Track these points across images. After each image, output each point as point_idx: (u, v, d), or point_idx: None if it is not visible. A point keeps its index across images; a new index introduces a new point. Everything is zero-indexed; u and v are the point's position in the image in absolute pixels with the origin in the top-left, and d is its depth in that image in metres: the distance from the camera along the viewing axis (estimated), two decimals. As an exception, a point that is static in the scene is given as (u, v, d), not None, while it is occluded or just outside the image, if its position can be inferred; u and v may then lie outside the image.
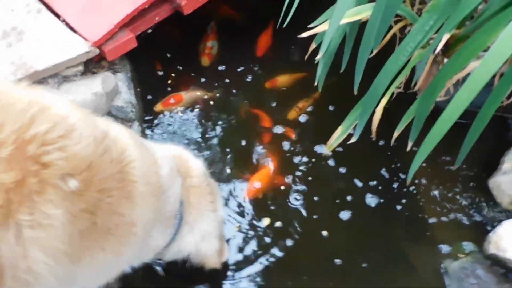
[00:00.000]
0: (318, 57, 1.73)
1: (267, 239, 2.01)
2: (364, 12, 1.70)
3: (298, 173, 2.19)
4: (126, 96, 2.20)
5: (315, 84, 1.80)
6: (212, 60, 2.57)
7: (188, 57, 2.60)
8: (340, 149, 2.07)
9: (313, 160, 2.22)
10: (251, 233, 2.02)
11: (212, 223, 1.65)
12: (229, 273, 1.92)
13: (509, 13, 1.48)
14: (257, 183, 2.13)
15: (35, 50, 2.14)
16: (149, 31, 2.40)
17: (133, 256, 1.35)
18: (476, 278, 1.83)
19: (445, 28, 1.49)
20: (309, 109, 2.39)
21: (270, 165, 2.20)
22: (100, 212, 1.07)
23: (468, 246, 1.94)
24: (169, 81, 2.53)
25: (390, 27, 2.07)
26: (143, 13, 2.23)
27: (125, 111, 2.17)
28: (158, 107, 2.39)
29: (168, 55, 2.63)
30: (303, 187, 2.15)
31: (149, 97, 2.47)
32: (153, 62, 2.59)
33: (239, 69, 2.55)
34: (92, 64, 2.24)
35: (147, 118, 2.38)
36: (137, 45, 2.23)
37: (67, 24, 2.22)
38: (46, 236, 0.95)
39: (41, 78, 2.10)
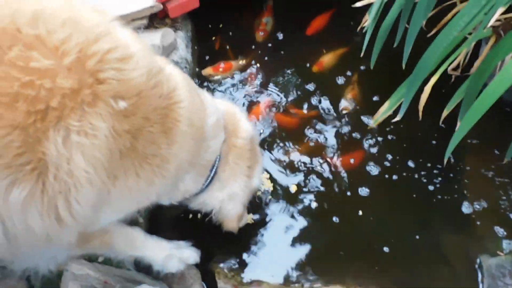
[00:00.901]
0: (365, 24, 1.69)
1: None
2: (419, -16, 1.62)
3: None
4: (182, 53, 2.29)
5: (361, 55, 1.75)
6: (265, 36, 2.59)
7: (244, 28, 2.65)
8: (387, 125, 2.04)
9: (359, 132, 2.19)
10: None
11: (242, 188, 1.64)
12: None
13: None
14: None
15: (107, 0, 2.27)
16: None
17: (163, 191, 1.37)
18: (512, 278, 1.72)
19: (499, 2, 1.39)
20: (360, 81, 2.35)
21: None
22: (141, 137, 1.13)
23: (510, 244, 1.83)
24: (224, 47, 2.59)
25: (454, 6, 1.98)
26: (209, -25, 2.29)
27: (180, 67, 2.26)
28: (207, 71, 2.44)
29: (227, 23, 2.68)
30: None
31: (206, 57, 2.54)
32: (213, 27, 2.65)
33: (290, 47, 2.56)
34: (157, 20, 2.35)
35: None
36: (199, 5, 2.29)
37: (140, -20, 2.33)
38: (90, 145, 1.01)
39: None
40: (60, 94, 0.96)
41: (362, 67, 2.38)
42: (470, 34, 1.76)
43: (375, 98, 2.25)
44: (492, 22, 1.40)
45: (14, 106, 0.94)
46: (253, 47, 2.57)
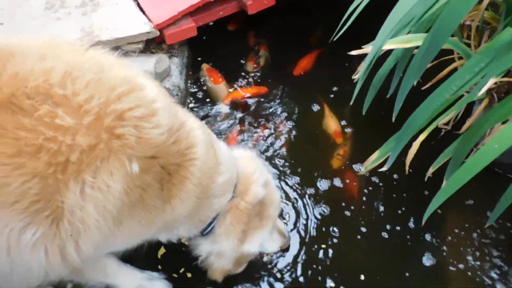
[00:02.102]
0: (356, 76, 1.68)
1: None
2: (415, 41, 1.62)
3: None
4: (175, 80, 2.28)
5: (351, 103, 1.74)
6: (255, 68, 2.59)
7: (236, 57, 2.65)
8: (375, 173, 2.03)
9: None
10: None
11: (231, 249, 1.61)
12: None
13: None
14: None
15: (105, 22, 2.28)
16: (211, 23, 2.46)
17: (158, 232, 1.46)
18: None
19: (493, 72, 1.39)
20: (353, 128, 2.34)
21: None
22: (150, 190, 1.22)
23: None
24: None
25: (452, 62, 1.98)
26: (209, 6, 2.29)
27: (171, 94, 2.24)
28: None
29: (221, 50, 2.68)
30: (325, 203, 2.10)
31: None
32: (207, 55, 2.65)
33: (278, 84, 2.55)
34: (153, 45, 2.34)
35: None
36: (197, 34, 2.29)
37: (138, 5, 2.34)
38: (102, 198, 1.12)
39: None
40: (78, 150, 1.07)
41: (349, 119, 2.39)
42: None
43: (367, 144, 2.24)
44: (485, 89, 1.39)
45: (36, 156, 1.05)
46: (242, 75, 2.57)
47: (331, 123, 2.34)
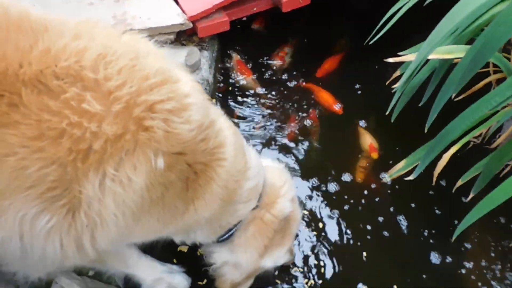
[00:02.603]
0: (396, 85, 1.67)
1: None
2: (457, 52, 1.60)
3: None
4: (205, 74, 2.28)
5: (387, 113, 1.72)
6: (281, 66, 2.59)
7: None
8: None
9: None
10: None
11: (249, 262, 1.57)
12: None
13: None
14: None
15: (138, 10, 2.27)
16: (244, 19, 2.45)
17: (174, 232, 1.43)
18: None
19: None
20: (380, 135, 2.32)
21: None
22: (171, 189, 1.17)
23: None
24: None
25: (488, 75, 1.96)
26: (243, 0, 2.28)
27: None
28: None
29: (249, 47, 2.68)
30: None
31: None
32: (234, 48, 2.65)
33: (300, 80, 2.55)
34: (184, 36, 2.33)
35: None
36: (229, 29, 2.28)
37: (174, -5, 2.33)
38: (122, 193, 1.07)
39: (135, 37, 2.23)
40: (103, 139, 1.02)
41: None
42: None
43: (392, 152, 2.23)
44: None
45: (58, 141, 1.00)
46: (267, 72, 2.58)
47: (367, 138, 2.31)
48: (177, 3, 2.28)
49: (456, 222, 1.94)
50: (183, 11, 2.23)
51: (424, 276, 1.89)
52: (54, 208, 1.04)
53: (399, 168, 1.93)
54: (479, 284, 1.87)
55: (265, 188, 1.52)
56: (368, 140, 2.29)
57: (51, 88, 1.01)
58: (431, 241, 1.98)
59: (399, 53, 1.86)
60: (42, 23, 1.08)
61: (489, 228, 2.00)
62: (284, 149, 2.28)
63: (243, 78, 2.47)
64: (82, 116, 1.01)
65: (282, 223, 1.55)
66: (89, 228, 1.09)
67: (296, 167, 2.22)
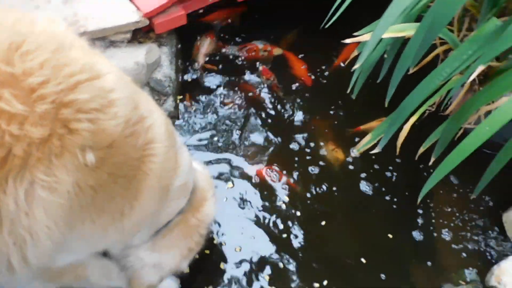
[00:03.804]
0: (355, 67, 1.77)
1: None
2: (408, 30, 1.72)
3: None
4: (166, 71, 2.29)
5: (348, 91, 1.83)
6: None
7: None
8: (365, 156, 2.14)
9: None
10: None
11: (170, 264, 1.54)
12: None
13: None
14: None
15: (89, 10, 2.22)
16: (200, 11, 2.47)
17: (116, 240, 1.32)
18: (473, 306, 1.86)
19: (481, 60, 1.50)
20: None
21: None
22: (102, 192, 1.06)
23: (470, 274, 1.96)
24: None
25: (435, 47, 2.09)
26: (198, -8, 2.30)
27: (163, 85, 2.26)
28: None
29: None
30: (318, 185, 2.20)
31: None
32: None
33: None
34: (140, 34, 2.32)
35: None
36: (186, 22, 2.30)
37: (124, -8, 2.30)
38: (54, 200, 0.95)
39: (89, 39, 2.20)
40: (26, 142, 0.88)
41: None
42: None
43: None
44: (474, 75, 1.50)
45: None
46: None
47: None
48: (131, 0, 2.26)
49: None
50: (137, 8, 2.21)
51: (392, 238, 2.05)
52: None
53: (365, 142, 2.04)
54: (451, 242, 2.04)
55: (195, 191, 1.50)
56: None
57: None
58: (400, 206, 2.13)
59: (354, 34, 1.96)
60: None
61: (451, 189, 2.17)
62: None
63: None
64: (0, 117, 0.86)
65: (204, 228, 1.56)
66: (16, 246, 0.95)
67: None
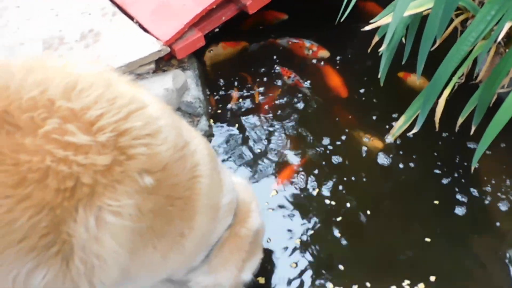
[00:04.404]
0: (382, 48, 1.79)
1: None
2: (426, 4, 1.75)
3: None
4: (194, 93, 2.34)
5: (379, 76, 1.85)
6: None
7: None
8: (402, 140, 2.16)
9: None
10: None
11: (229, 280, 1.56)
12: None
13: None
14: None
15: (111, 49, 2.32)
16: (216, 30, 2.54)
17: (177, 266, 1.35)
18: (541, 267, 1.82)
19: (507, 17, 1.52)
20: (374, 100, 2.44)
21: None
22: (161, 216, 1.11)
23: (533, 236, 1.93)
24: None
25: (451, 21, 2.11)
26: (211, 13, 2.37)
27: (194, 107, 2.31)
28: None
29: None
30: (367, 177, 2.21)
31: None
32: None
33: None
34: (163, 63, 2.39)
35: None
36: (205, 43, 2.36)
37: (140, 25, 2.39)
38: (119, 224, 0.99)
39: (117, 76, 2.28)
40: (92, 170, 0.94)
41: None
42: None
43: (387, 115, 2.36)
44: (503, 32, 1.52)
45: (44, 183, 0.90)
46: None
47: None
48: (148, 32, 2.34)
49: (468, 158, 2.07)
50: (156, 38, 2.29)
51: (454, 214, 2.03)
52: (48, 259, 0.94)
53: (400, 125, 2.05)
54: (508, 209, 2.02)
55: (238, 204, 1.53)
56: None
57: (21, 125, 0.91)
58: (452, 181, 2.12)
59: (371, 21, 2.00)
60: None
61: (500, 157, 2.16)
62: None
63: None
64: (68, 149, 0.92)
65: (254, 236, 1.58)
66: (86, 274, 0.99)
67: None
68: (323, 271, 1.96)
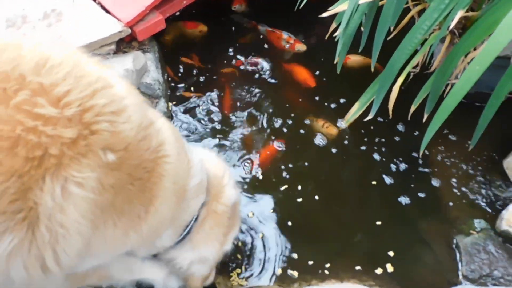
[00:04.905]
0: (337, 33, 1.82)
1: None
2: (382, -8, 1.77)
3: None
4: (154, 75, 2.33)
5: (335, 62, 1.88)
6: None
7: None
8: (358, 125, 2.21)
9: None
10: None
11: (213, 253, 1.64)
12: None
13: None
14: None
15: (73, 29, 2.28)
16: (177, 13, 2.53)
17: (139, 243, 1.37)
18: (487, 253, 1.89)
19: (459, 6, 1.56)
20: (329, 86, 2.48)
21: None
22: (121, 194, 1.14)
23: (480, 223, 2.00)
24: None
25: (409, 11, 2.16)
26: (172, -3, 2.36)
27: (153, 88, 2.30)
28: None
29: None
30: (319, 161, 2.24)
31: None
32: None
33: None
34: (124, 44, 2.37)
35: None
36: (165, 26, 2.35)
37: (102, 6, 2.36)
38: (83, 195, 1.04)
39: (76, 56, 2.25)
40: (59, 143, 0.99)
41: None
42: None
43: (341, 101, 2.40)
44: (455, 21, 1.56)
45: (13, 151, 0.95)
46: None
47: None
48: (109, 12, 2.31)
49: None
50: (117, 19, 2.27)
51: (403, 200, 2.09)
52: (15, 225, 0.98)
53: (354, 111, 2.08)
54: (457, 195, 2.10)
55: (210, 180, 1.57)
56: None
57: None
58: (404, 168, 2.19)
59: (329, 8, 2.02)
60: None
61: (451, 145, 2.23)
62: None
63: None
64: (37, 120, 0.97)
65: (232, 209, 1.64)
66: (50, 243, 1.04)
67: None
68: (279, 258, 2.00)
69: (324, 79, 2.50)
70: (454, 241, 1.97)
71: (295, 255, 1.98)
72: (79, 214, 1.04)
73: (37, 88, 0.99)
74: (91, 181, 1.04)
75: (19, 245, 1.00)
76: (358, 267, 1.94)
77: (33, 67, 1.01)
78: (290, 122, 2.37)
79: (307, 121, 2.37)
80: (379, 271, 1.91)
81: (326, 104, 2.41)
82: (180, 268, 1.61)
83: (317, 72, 2.52)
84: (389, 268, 1.92)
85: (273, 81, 2.54)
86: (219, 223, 1.59)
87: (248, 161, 2.25)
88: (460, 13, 1.55)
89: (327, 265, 1.95)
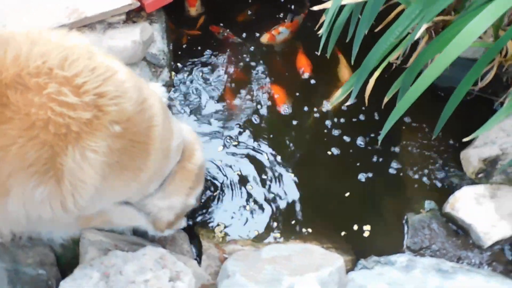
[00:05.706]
0: (321, 31, 2.04)
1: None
2: (362, -6, 1.98)
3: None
4: (160, 45, 2.56)
5: (318, 53, 2.10)
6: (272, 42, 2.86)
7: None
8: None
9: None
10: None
11: (180, 203, 1.94)
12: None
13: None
14: None
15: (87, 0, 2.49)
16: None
17: (136, 191, 1.74)
18: (430, 230, 2.21)
19: (425, 19, 1.77)
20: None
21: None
22: (125, 154, 1.49)
23: (430, 204, 2.30)
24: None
25: (392, 10, 2.37)
26: (181, -29, 2.54)
27: (158, 58, 2.54)
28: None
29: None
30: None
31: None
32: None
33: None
34: (133, 13, 2.57)
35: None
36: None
37: (116, -22, 2.54)
38: (96, 158, 1.39)
39: (89, 23, 2.48)
40: (81, 122, 1.34)
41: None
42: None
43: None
44: (419, 34, 1.77)
45: (47, 129, 1.30)
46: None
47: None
48: (122, -15, 2.51)
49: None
50: (128, -9, 2.47)
51: (369, 177, 2.39)
52: (46, 180, 1.34)
53: (337, 96, 2.33)
54: (416, 178, 2.39)
55: (184, 145, 1.90)
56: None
57: (30, 87, 1.29)
58: (373, 149, 2.48)
59: (323, 0, 2.23)
60: (1, 38, 1.38)
61: (415, 133, 2.50)
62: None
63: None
64: (62, 106, 1.30)
65: (199, 169, 1.96)
66: (71, 191, 1.39)
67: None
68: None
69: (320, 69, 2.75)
70: (405, 217, 2.27)
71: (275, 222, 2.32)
72: (93, 171, 1.40)
73: (62, 80, 1.33)
74: (102, 147, 1.39)
75: (49, 193, 1.37)
76: (322, 231, 2.25)
77: (58, 62, 1.35)
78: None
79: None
80: (338, 236, 2.24)
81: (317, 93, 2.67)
82: (150, 213, 1.92)
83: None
84: (346, 234, 2.26)
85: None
86: (187, 178, 1.92)
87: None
88: (424, 26, 1.77)
89: (300, 229, 2.28)
